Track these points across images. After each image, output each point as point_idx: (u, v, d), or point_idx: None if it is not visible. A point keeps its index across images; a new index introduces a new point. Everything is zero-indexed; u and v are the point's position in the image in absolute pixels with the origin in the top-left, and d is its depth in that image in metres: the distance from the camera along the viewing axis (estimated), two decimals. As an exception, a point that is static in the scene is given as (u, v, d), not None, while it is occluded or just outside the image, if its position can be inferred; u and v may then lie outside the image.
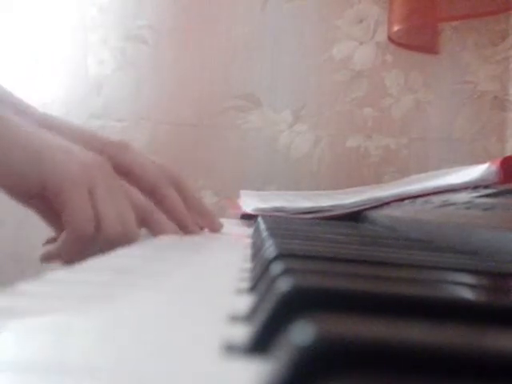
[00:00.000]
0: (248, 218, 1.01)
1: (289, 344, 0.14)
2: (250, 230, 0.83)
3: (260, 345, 0.19)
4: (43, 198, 0.56)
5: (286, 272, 0.24)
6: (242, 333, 0.21)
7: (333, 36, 1.43)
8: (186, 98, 1.44)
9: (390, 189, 1.00)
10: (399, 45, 1.41)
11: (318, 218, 0.96)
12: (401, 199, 0.91)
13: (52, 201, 0.55)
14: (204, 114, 1.44)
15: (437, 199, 0.78)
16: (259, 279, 0.30)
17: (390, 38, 1.41)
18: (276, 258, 0.30)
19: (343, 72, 1.44)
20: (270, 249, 0.34)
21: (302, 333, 0.14)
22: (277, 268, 0.25)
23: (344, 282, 0.23)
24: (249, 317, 0.24)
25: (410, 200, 0.88)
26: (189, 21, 1.45)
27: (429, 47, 1.41)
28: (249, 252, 0.51)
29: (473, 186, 0.83)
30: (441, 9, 1.35)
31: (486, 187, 0.80)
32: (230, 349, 0.19)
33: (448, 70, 1.43)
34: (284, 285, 0.21)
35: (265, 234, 0.49)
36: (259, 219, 0.84)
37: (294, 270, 0.24)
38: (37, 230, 0.69)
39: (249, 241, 0.66)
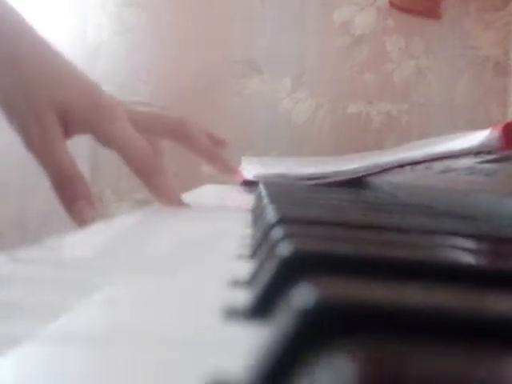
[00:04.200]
0: (249, 184, 1.02)
1: (290, 307, 0.14)
2: (250, 197, 0.84)
3: (261, 309, 0.19)
4: None
5: (287, 237, 0.24)
6: (242, 298, 0.21)
7: (333, 0, 1.43)
8: (184, 63, 1.44)
9: (392, 155, 0.99)
10: (401, 9, 1.40)
11: (319, 185, 0.96)
12: (402, 165, 0.91)
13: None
14: (203, 80, 1.44)
15: (438, 165, 0.78)
16: (260, 245, 0.30)
17: (391, 3, 1.40)
18: (276, 223, 0.30)
19: (344, 37, 1.43)
20: (270, 214, 0.34)
21: (303, 296, 0.14)
22: (277, 233, 0.25)
23: (344, 246, 0.23)
24: (249, 282, 0.24)
25: (412, 166, 0.88)
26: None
27: (431, 12, 1.40)
28: (249, 218, 0.51)
29: (475, 152, 0.83)
30: (443, -27, 1.35)
31: (488, 153, 0.80)
32: (231, 313, 0.19)
33: (450, 36, 1.43)
34: (284, 249, 0.20)
35: (266, 200, 0.48)
36: (260, 185, 0.84)
37: (295, 235, 0.24)
38: (39, 195, 0.69)
39: (249, 207, 0.66)
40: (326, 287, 0.15)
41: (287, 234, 0.24)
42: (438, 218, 0.41)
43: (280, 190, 0.70)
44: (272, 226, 0.29)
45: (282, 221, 0.30)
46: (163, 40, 1.44)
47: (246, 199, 0.80)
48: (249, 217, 0.53)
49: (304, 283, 0.15)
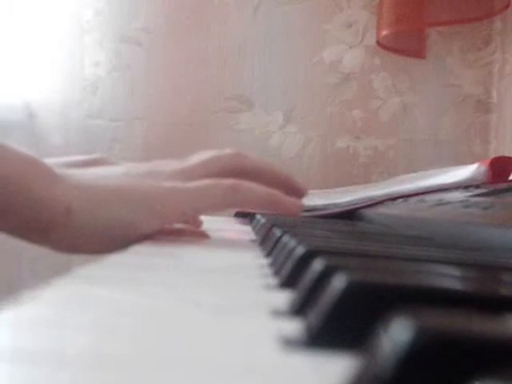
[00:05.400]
0: (242, 216, 1.03)
1: (391, 340, 0.14)
2: (244, 228, 0.85)
3: (321, 339, 0.19)
4: None
5: (335, 268, 0.23)
6: (292, 327, 0.22)
7: (323, 40, 1.47)
8: (179, 99, 1.46)
9: (381, 188, 1.00)
10: (387, 49, 1.43)
11: (313, 217, 0.98)
12: (393, 198, 0.93)
13: None
14: (197, 115, 1.46)
15: (430, 198, 0.79)
16: (292, 276, 0.30)
17: (378, 43, 1.43)
18: (310, 254, 0.29)
19: (333, 75, 1.47)
20: (293, 245, 0.34)
21: (406, 328, 0.14)
22: (319, 264, 0.25)
23: (394, 277, 0.22)
24: (296, 312, 0.24)
25: (403, 199, 0.90)
26: (182, 23, 1.47)
27: (416, 51, 1.44)
28: (255, 248, 0.51)
29: (463, 185, 0.85)
30: (427, 15, 1.38)
31: (476, 187, 0.82)
32: (288, 343, 0.20)
33: (434, 74, 1.47)
34: (341, 281, 0.20)
35: (278, 231, 0.48)
36: (258, 217, 0.85)
37: (343, 266, 0.23)
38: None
39: (248, 237, 0.67)
40: (428, 320, 0.14)
41: (334, 265, 0.24)
42: (452, 249, 0.42)
43: (281, 221, 0.68)
44: (306, 258, 0.29)
45: (315, 252, 0.29)
46: (159, 77, 1.47)
47: (242, 230, 0.81)
48: (253, 247, 0.53)
49: (401, 315, 0.14)
